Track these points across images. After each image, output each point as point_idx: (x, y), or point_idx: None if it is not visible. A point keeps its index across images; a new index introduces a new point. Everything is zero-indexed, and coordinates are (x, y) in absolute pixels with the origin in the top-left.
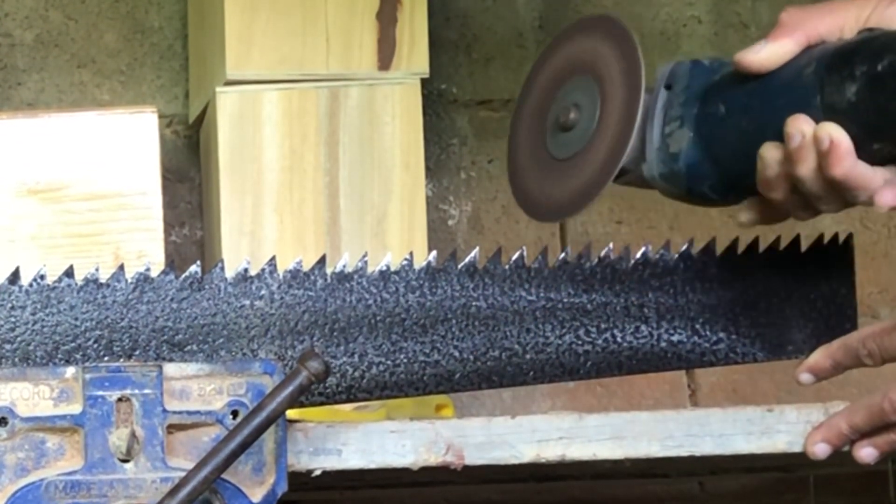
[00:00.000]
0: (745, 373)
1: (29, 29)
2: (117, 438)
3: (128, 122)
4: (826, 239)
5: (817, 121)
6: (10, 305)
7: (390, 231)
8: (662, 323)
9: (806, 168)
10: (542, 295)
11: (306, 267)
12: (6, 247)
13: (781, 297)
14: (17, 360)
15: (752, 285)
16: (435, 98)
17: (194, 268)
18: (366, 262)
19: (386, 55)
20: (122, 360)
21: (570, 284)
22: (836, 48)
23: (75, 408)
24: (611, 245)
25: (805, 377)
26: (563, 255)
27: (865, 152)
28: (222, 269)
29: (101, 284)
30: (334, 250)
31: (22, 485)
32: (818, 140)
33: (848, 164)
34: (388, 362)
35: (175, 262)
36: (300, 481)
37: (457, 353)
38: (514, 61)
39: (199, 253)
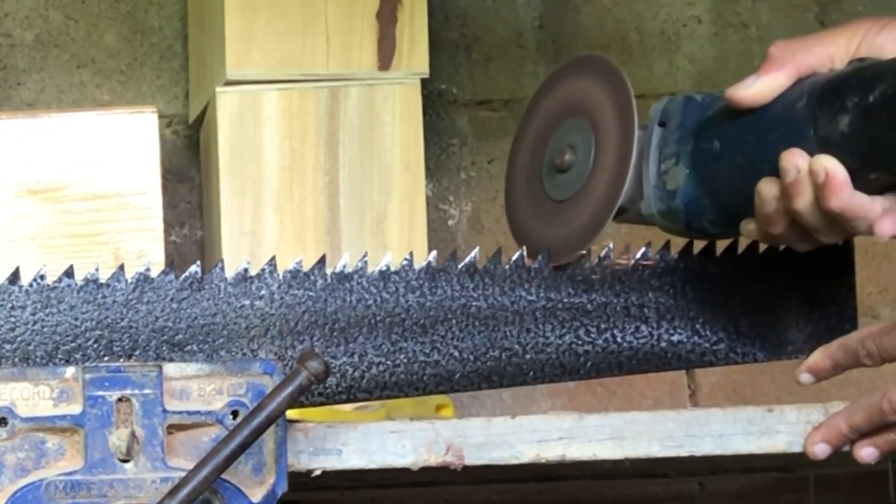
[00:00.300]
0: (745, 373)
1: (29, 29)
2: (117, 438)
3: (128, 122)
4: None
5: (812, 154)
6: (10, 305)
7: (390, 231)
8: (662, 323)
9: (803, 202)
10: (542, 295)
11: (306, 267)
12: (6, 247)
13: (781, 297)
14: (17, 360)
15: (753, 285)
16: (435, 98)
17: (194, 268)
18: (366, 262)
19: (386, 55)
20: (122, 360)
21: (570, 284)
22: (827, 80)
23: (75, 408)
24: (611, 245)
25: (805, 377)
26: None
27: (862, 182)
28: (222, 269)
29: (101, 284)
30: (334, 250)
31: (22, 485)
32: (814, 174)
33: (845, 195)
34: (388, 362)
35: (175, 262)
36: (300, 481)
37: (457, 353)
38: (514, 61)
39: (199, 253)
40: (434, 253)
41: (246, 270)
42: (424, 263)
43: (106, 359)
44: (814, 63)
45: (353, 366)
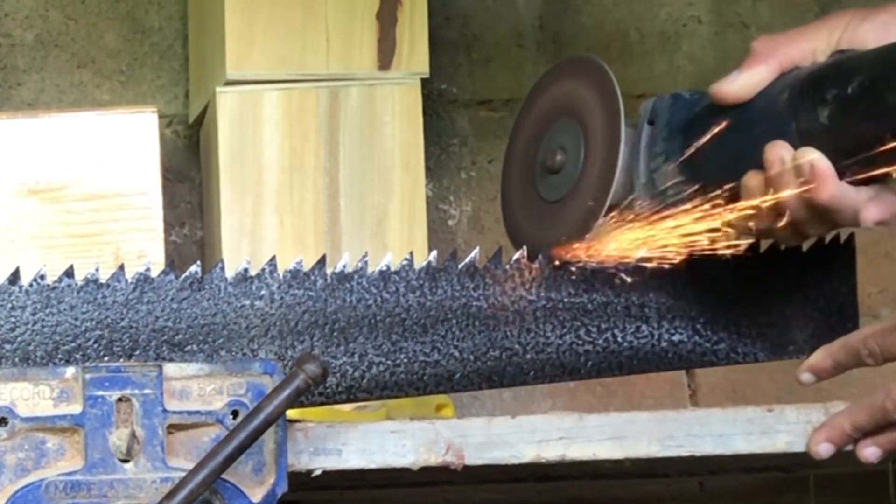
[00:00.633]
0: (746, 373)
1: (29, 29)
2: (117, 438)
3: (128, 122)
4: (827, 239)
5: (795, 147)
6: (10, 305)
7: (390, 231)
8: (663, 323)
9: (789, 194)
10: (542, 295)
11: (306, 267)
12: (6, 247)
13: (782, 296)
14: (17, 360)
15: (754, 285)
16: (435, 98)
17: (194, 268)
18: (366, 262)
19: (386, 55)
20: (122, 360)
21: (570, 284)
22: (808, 73)
23: (75, 408)
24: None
25: (806, 377)
26: None
27: (844, 174)
28: (222, 269)
29: (101, 284)
30: (334, 250)
31: (22, 485)
32: (799, 167)
33: (831, 187)
34: (388, 362)
35: (175, 262)
36: (300, 481)
37: (457, 353)
38: (514, 61)
39: (199, 253)
40: (434, 253)
41: (246, 270)
42: (424, 263)
43: (106, 359)
44: (796, 57)
45: (353, 366)
